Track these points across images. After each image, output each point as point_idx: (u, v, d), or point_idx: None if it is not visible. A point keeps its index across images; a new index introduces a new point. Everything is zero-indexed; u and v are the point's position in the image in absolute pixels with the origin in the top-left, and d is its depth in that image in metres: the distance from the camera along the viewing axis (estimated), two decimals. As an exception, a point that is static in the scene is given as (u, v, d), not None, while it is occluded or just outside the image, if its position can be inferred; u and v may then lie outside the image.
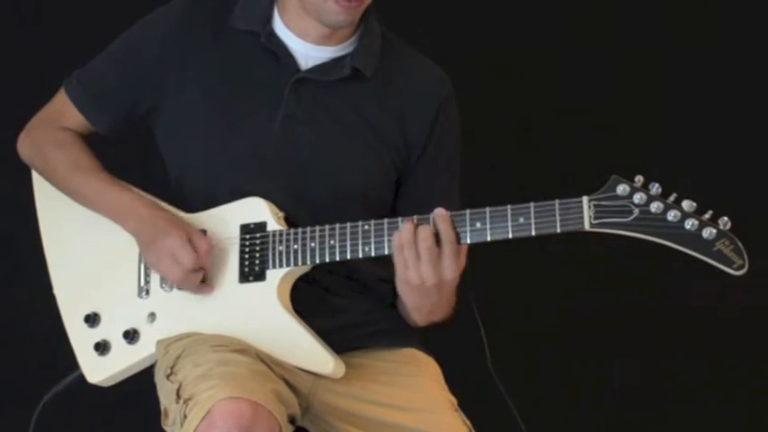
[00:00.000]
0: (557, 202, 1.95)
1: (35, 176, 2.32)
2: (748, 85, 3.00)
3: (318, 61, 2.17)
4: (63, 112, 2.28)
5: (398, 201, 2.23)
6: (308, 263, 2.09)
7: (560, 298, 3.01)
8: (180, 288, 2.13)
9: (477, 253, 2.05)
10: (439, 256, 1.98)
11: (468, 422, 2.14)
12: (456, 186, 2.25)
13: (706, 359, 3.03)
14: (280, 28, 2.18)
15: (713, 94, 2.99)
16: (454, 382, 2.21)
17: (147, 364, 2.19)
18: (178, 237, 2.10)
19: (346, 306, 2.19)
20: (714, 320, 3.03)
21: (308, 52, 2.17)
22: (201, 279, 2.12)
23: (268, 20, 2.18)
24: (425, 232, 1.98)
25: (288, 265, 2.10)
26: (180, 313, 2.16)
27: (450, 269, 1.99)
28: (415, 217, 2.01)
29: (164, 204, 2.21)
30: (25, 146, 2.31)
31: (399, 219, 2.03)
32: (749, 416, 3.03)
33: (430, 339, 2.24)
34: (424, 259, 1.98)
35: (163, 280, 2.17)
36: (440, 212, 1.99)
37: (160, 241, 2.11)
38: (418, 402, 2.13)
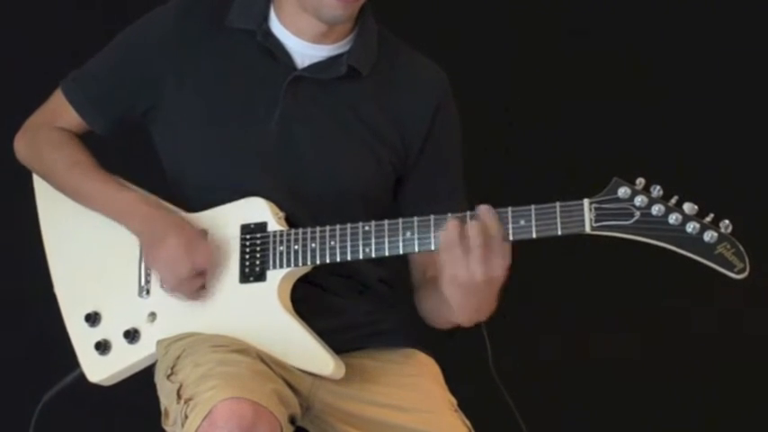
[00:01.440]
0: (558, 204, 1.94)
1: (35, 176, 2.32)
2: (750, 87, 2.99)
3: (315, 60, 2.16)
4: (60, 112, 2.28)
5: (400, 200, 2.23)
6: (309, 263, 2.09)
7: (561, 298, 3.01)
8: (177, 293, 2.13)
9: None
10: (489, 251, 1.95)
11: (467, 422, 2.14)
12: (460, 185, 2.24)
13: (707, 360, 3.03)
14: (276, 26, 2.18)
15: (715, 96, 2.98)
16: (454, 382, 2.21)
17: (148, 363, 2.19)
18: (177, 242, 2.09)
19: (346, 307, 2.18)
20: (715, 323, 3.03)
21: (304, 51, 2.16)
22: (201, 285, 2.12)
23: (264, 18, 2.17)
24: (476, 228, 1.94)
25: (288, 265, 2.09)
26: (180, 313, 2.15)
27: (499, 266, 1.95)
28: (468, 213, 1.97)
29: (165, 204, 2.20)
30: (22, 146, 2.31)
31: (431, 217, 1.99)
32: (752, 416, 3.04)
33: (430, 339, 2.24)
34: (474, 255, 1.94)
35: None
36: (486, 208, 1.95)
37: (159, 245, 2.11)
38: (418, 402, 2.13)
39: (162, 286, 2.16)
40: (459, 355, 2.24)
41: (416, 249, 2.02)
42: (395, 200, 2.24)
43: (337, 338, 2.12)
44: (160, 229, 2.12)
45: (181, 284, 2.11)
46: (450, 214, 1.99)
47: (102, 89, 2.24)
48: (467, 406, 2.16)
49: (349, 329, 2.18)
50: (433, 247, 2.01)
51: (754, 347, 3.03)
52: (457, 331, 2.13)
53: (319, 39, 2.16)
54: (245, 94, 2.16)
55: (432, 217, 2.02)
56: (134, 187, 2.23)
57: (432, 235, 2.01)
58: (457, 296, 1.99)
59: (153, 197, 2.20)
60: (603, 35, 3.02)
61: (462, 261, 1.95)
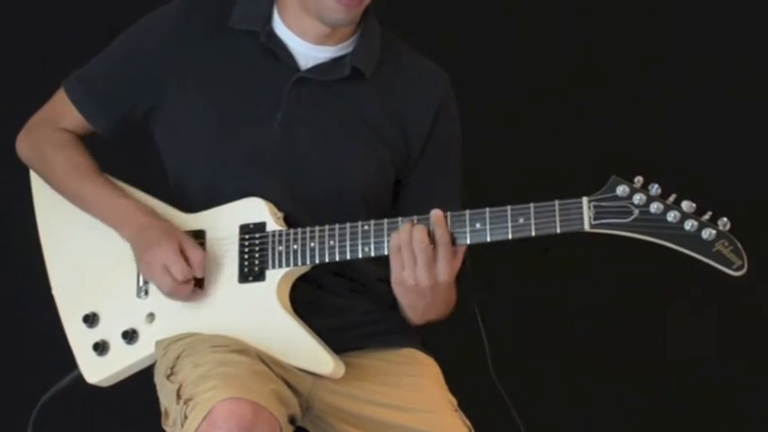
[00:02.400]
0: (556, 202, 1.95)
1: (33, 176, 2.32)
2: (748, 86, 3.00)
3: (318, 61, 2.17)
4: (62, 112, 2.28)
5: (399, 201, 2.23)
6: (308, 263, 2.09)
7: (561, 298, 3.01)
8: (171, 298, 2.13)
9: (479, 253, 2.05)
10: (434, 258, 1.99)
11: (467, 422, 2.14)
12: (457, 186, 2.25)
13: (708, 359, 3.04)
14: (279, 27, 2.18)
15: (714, 95, 2.99)
16: (455, 382, 2.21)
17: (146, 364, 2.19)
18: (170, 248, 2.09)
19: (346, 306, 2.19)
20: (716, 321, 3.03)
21: (307, 52, 2.17)
22: (200, 284, 2.12)
23: (268, 19, 2.18)
24: (421, 234, 1.98)
25: (287, 265, 2.10)
26: (179, 313, 2.15)
27: (445, 272, 1.99)
28: (415, 218, 2.01)
29: (162, 206, 2.20)
30: (24, 146, 2.31)
31: (399, 219, 2.03)
32: (752, 416, 3.04)
33: (430, 339, 2.24)
34: (419, 261, 1.99)
35: (161, 281, 2.17)
36: (435, 214, 2.00)
37: (152, 252, 2.11)
38: (418, 402, 2.13)
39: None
40: (459, 355, 2.24)
41: (415, 248, 2.03)
42: (394, 199, 2.24)
43: (337, 338, 2.13)
44: (153, 237, 2.12)
45: (176, 289, 2.11)
46: (401, 218, 2.02)
47: (104, 89, 2.24)
48: (467, 406, 2.16)
49: (349, 329, 2.18)
50: None
51: (754, 347, 3.03)
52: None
53: (322, 40, 2.17)
54: (247, 94, 2.17)
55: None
56: (133, 191, 2.23)
57: None
58: (405, 298, 2.06)
59: (149, 205, 2.20)
60: (602, 35, 3.02)
61: (410, 265, 1.99)
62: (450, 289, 2.07)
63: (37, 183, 2.31)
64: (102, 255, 2.24)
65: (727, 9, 3.00)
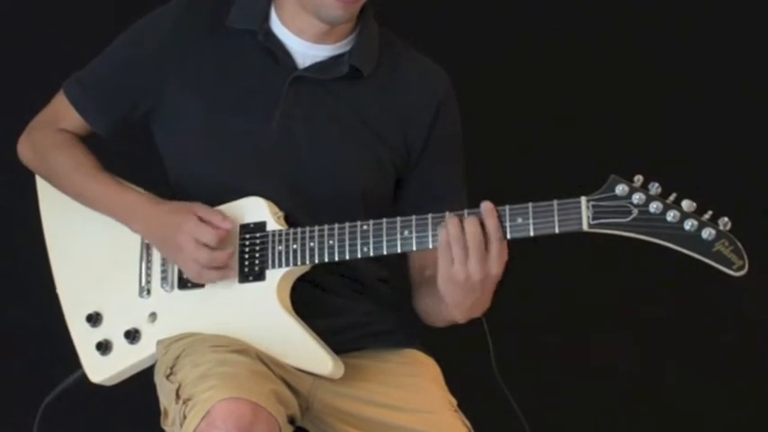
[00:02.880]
0: (555, 202, 1.93)
1: (38, 177, 2.32)
2: (748, 85, 2.98)
3: (316, 59, 2.16)
4: (62, 113, 2.28)
5: (400, 200, 2.22)
6: (308, 263, 2.08)
7: (563, 299, 3.00)
8: (210, 275, 2.09)
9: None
10: (487, 251, 1.95)
11: (467, 423, 2.13)
12: (459, 184, 2.23)
13: (709, 358, 3.02)
14: (277, 26, 2.17)
15: (713, 94, 2.97)
16: (455, 382, 2.20)
17: (149, 363, 2.19)
18: (190, 220, 2.08)
19: (346, 307, 2.18)
20: (717, 320, 3.01)
21: (305, 51, 2.16)
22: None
23: (265, 18, 2.17)
24: (474, 227, 1.94)
25: (287, 264, 2.09)
26: (180, 313, 2.16)
27: (496, 264, 1.95)
28: (466, 211, 1.96)
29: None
30: (25, 148, 2.31)
31: (446, 213, 1.98)
32: (752, 415, 3.02)
33: (431, 339, 2.23)
34: (471, 254, 1.94)
35: (164, 280, 2.17)
36: (487, 206, 1.95)
37: (175, 233, 2.09)
38: (418, 403, 2.12)
39: (162, 284, 2.16)
40: (459, 355, 2.23)
41: (414, 248, 2.02)
42: (394, 199, 2.23)
43: (337, 339, 2.12)
44: (168, 223, 2.12)
45: (216, 256, 2.07)
46: (448, 212, 1.98)
47: (104, 90, 2.25)
48: (467, 406, 2.15)
49: (349, 329, 2.17)
50: (430, 246, 2.00)
51: (754, 346, 3.01)
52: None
53: (320, 39, 2.16)
54: (245, 94, 2.16)
55: (429, 216, 2.01)
56: (137, 188, 2.23)
57: (429, 234, 2.00)
58: (453, 294, 1.99)
59: (155, 197, 2.20)
60: (601, 33, 3.01)
61: (460, 259, 1.94)
62: (496, 283, 2.01)
63: (42, 184, 2.32)
64: (106, 254, 2.24)
65: (727, 9, 2.97)
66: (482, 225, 1.94)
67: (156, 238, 2.15)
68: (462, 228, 1.94)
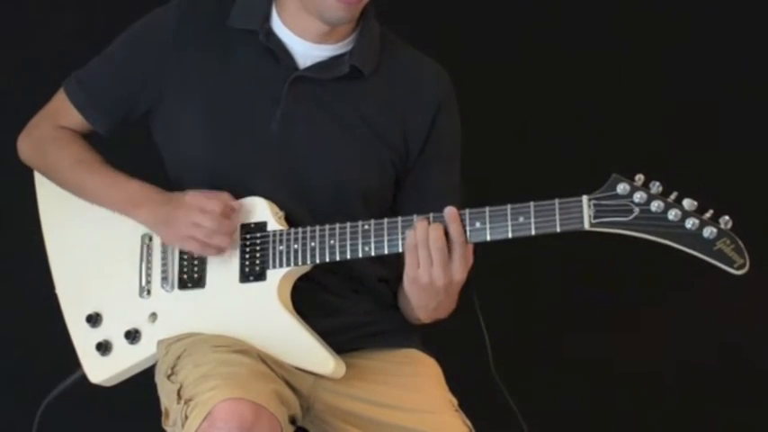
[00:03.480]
0: (556, 201, 1.94)
1: (37, 176, 2.32)
2: (749, 83, 2.99)
3: (317, 60, 2.16)
4: (62, 111, 2.28)
5: (398, 199, 2.22)
6: (309, 263, 2.09)
7: (562, 298, 3.00)
8: (213, 244, 2.09)
9: (479, 252, 2.04)
10: (449, 256, 1.98)
11: (468, 422, 2.13)
12: (457, 185, 2.24)
13: (709, 358, 3.02)
14: (278, 26, 2.18)
15: (714, 92, 2.98)
16: (455, 382, 2.20)
17: (149, 364, 2.19)
18: (194, 194, 2.09)
19: (346, 306, 2.18)
20: (717, 320, 3.02)
21: (306, 51, 2.16)
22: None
23: (266, 18, 2.18)
24: (437, 232, 1.97)
25: (288, 264, 2.09)
26: (181, 313, 2.16)
27: (460, 270, 1.99)
28: (431, 215, 2.00)
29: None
30: (25, 146, 2.31)
31: (414, 216, 2.01)
32: (752, 416, 3.02)
33: (431, 339, 2.24)
34: (435, 260, 1.98)
35: (164, 280, 2.17)
36: (450, 212, 1.98)
37: (178, 208, 2.10)
38: (418, 403, 2.12)
39: (163, 287, 2.15)
40: (459, 356, 2.23)
41: (415, 247, 2.02)
42: (393, 198, 2.23)
43: (338, 338, 2.12)
44: (172, 203, 2.12)
45: (221, 224, 2.07)
46: (415, 216, 2.01)
47: (103, 90, 2.25)
48: (467, 406, 2.15)
49: (349, 329, 2.17)
50: None
51: (754, 347, 3.02)
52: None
53: (321, 39, 2.16)
54: (246, 94, 2.16)
55: (431, 215, 2.01)
56: (140, 180, 2.21)
57: None
58: (417, 296, 2.05)
59: (159, 188, 2.19)
60: (603, 32, 3.01)
61: (425, 264, 1.98)
62: (460, 287, 2.05)
63: (41, 183, 2.32)
64: (106, 254, 2.24)
65: (727, 9, 2.98)
66: (445, 231, 1.97)
67: (161, 220, 2.14)
68: (428, 232, 1.98)
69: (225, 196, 2.11)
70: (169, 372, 2.08)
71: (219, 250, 2.11)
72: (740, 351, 3.01)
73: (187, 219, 2.10)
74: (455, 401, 2.16)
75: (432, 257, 1.98)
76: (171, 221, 2.12)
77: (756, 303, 2.94)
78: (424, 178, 2.21)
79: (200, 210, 2.09)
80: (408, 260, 2.01)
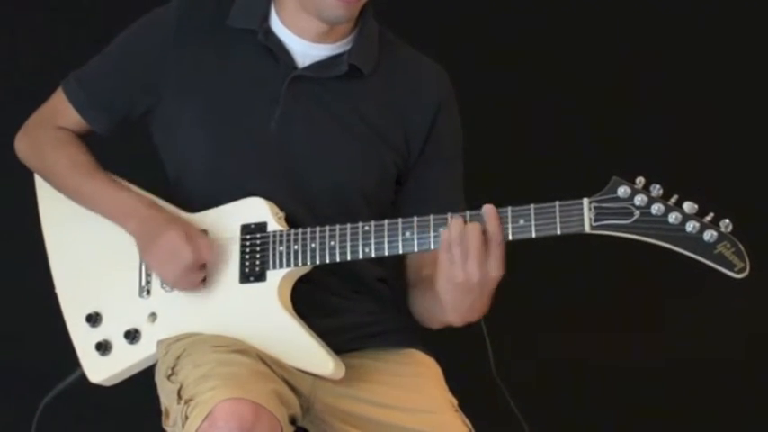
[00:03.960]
0: (557, 203, 1.94)
1: (37, 176, 2.32)
2: (750, 86, 2.99)
3: (316, 59, 2.16)
4: (60, 111, 2.28)
5: (400, 199, 2.22)
6: (309, 263, 2.09)
7: (562, 298, 3.00)
8: (179, 287, 2.13)
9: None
10: (486, 253, 1.96)
11: (468, 422, 2.13)
12: (459, 185, 2.24)
13: (707, 359, 3.03)
14: (277, 26, 2.17)
15: (715, 95, 2.98)
16: (455, 382, 2.20)
17: (149, 363, 2.19)
18: (176, 234, 2.08)
19: (346, 307, 2.18)
20: (717, 320, 3.02)
21: (305, 50, 2.16)
22: (203, 278, 2.12)
23: (265, 18, 2.17)
24: (475, 230, 1.94)
25: (288, 265, 2.09)
26: (181, 313, 2.15)
27: (496, 267, 1.95)
28: (468, 213, 1.97)
29: (163, 203, 2.20)
30: (23, 145, 2.31)
31: (448, 215, 1.98)
32: (752, 417, 3.03)
33: (431, 339, 2.24)
34: (471, 257, 1.95)
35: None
36: (490, 210, 1.96)
37: (159, 239, 2.10)
38: (418, 403, 2.13)
39: (162, 284, 2.16)
40: (459, 355, 2.23)
41: (416, 249, 2.02)
42: (394, 198, 2.23)
43: (337, 339, 2.12)
44: (157, 228, 2.12)
45: (182, 277, 2.09)
46: (450, 213, 1.99)
47: (102, 89, 2.24)
48: (467, 406, 2.16)
49: (349, 330, 2.17)
50: (432, 247, 2.01)
51: (754, 347, 3.02)
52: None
53: (320, 38, 2.16)
54: (245, 93, 2.16)
55: (431, 217, 2.01)
56: (135, 189, 2.22)
57: (431, 235, 2.01)
58: (452, 295, 2.00)
59: (152, 199, 2.19)
60: (604, 34, 3.01)
61: (460, 261, 1.95)
62: (495, 287, 2.01)
63: (40, 182, 2.31)
64: (105, 254, 2.24)
65: (727, 9, 2.98)
66: (484, 228, 1.95)
67: (142, 238, 2.15)
68: (464, 230, 1.95)
69: (203, 246, 2.09)
70: (169, 372, 2.08)
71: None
72: (740, 351, 3.02)
73: (159, 256, 2.10)
74: (455, 402, 2.17)
75: (468, 254, 1.95)
76: (148, 247, 2.13)
77: (757, 305, 2.95)
78: (426, 178, 2.21)
79: (171, 254, 2.08)
80: (443, 258, 1.97)
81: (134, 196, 2.18)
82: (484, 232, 1.95)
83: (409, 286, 2.22)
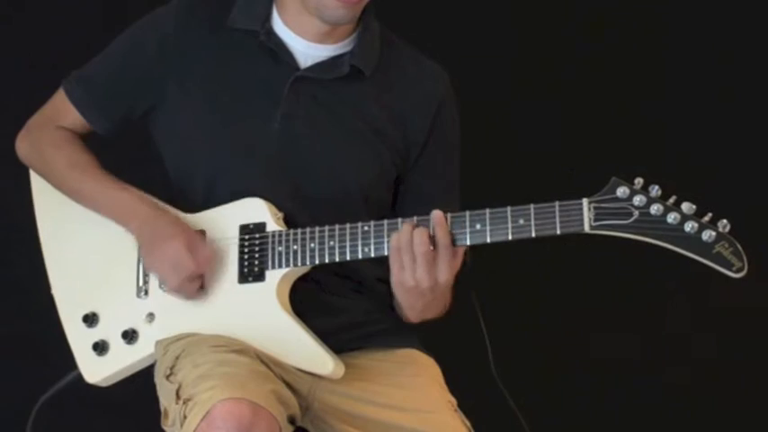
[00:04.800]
0: (557, 203, 1.95)
1: (33, 176, 2.32)
2: (749, 86, 2.99)
3: (318, 60, 2.17)
4: (62, 111, 2.28)
5: (398, 200, 2.23)
6: (308, 263, 2.09)
7: (562, 298, 3.01)
8: (176, 296, 2.13)
9: (480, 254, 2.05)
10: (434, 259, 1.99)
11: (467, 422, 2.14)
12: (456, 186, 2.25)
13: (711, 359, 3.04)
14: (279, 26, 2.18)
15: (714, 96, 2.98)
16: (455, 382, 2.21)
17: (146, 364, 2.19)
18: (179, 243, 2.09)
19: (345, 307, 2.19)
20: (715, 323, 3.03)
21: (307, 51, 2.17)
22: (201, 286, 2.12)
23: (267, 18, 2.18)
24: (422, 236, 1.98)
25: (287, 265, 2.10)
26: (179, 313, 2.15)
27: (444, 273, 2.00)
28: (416, 218, 2.01)
29: (162, 204, 2.20)
30: (24, 145, 2.30)
31: (399, 220, 2.03)
32: (752, 417, 3.04)
33: (431, 339, 2.24)
34: (419, 263, 1.99)
35: (161, 280, 2.17)
36: (436, 216, 1.99)
37: (161, 246, 2.10)
38: (417, 403, 2.13)
39: (160, 284, 2.16)
40: (459, 356, 2.24)
41: (415, 248, 2.03)
42: (393, 199, 2.23)
43: (337, 338, 2.13)
44: (160, 231, 2.12)
45: (182, 286, 2.11)
46: (400, 219, 2.02)
47: (103, 90, 2.24)
48: (467, 406, 2.16)
49: (348, 329, 2.18)
50: None
51: (753, 347, 3.03)
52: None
53: (322, 39, 2.17)
54: (247, 94, 2.16)
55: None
56: (134, 189, 2.22)
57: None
58: (404, 298, 2.07)
59: (152, 199, 2.20)
60: (603, 34, 3.02)
61: (409, 266, 1.99)
62: (449, 288, 2.07)
63: (37, 183, 2.31)
64: (102, 254, 2.23)
65: (727, 8, 2.99)
66: (430, 234, 1.98)
67: (143, 238, 2.15)
68: (411, 235, 1.98)
69: (203, 258, 2.10)
70: (168, 372, 2.08)
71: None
72: (740, 351, 3.02)
73: (160, 262, 2.11)
74: (454, 402, 2.17)
75: (416, 260, 1.99)
76: (149, 251, 2.13)
77: (755, 305, 2.96)
78: (424, 179, 2.22)
79: (173, 264, 2.09)
80: (393, 263, 2.02)
81: (136, 196, 2.18)
82: (432, 237, 1.98)
83: None
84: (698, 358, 3.03)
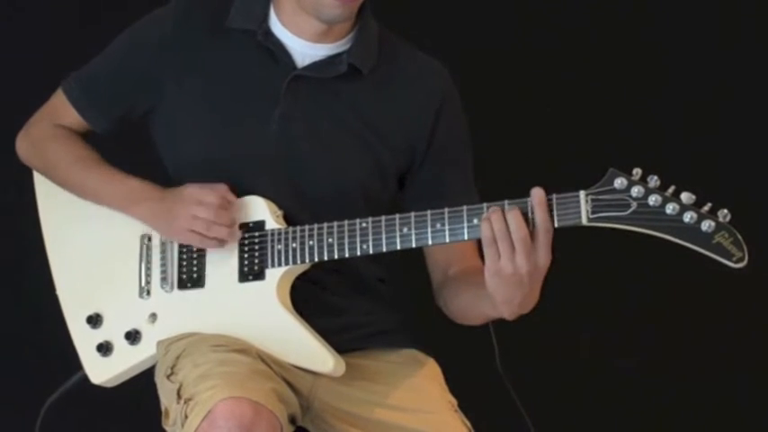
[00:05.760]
0: (554, 196, 1.92)
1: (37, 177, 2.33)
2: (748, 78, 2.97)
3: (315, 59, 2.16)
4: (61, 111, 2.29)
5: (409, 197, 2.20)
6: (307, 261, 2.08)
7: (565, 298, 2.98)
8: (215, 233, 2.09)
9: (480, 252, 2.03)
10: (533, 243, 1.92)
11: (467, 423, 2.12)
12: (471, 178, 2.22)
13: (711, 357, 3.00)
14: (276, 26, 2.17)
15: (712, 87, 2.97)
16: (455, 382, 2.19)
17: (150, 364, 2.19)
18: (192, 187, 2.10)
19: (346, 306, 2.17)
20: (718, 316, 3.00)
21: (304, 50, 2.16)
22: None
23: (264, 18, 2.18)
24: (518, 221, 1.91)
25: (287, 263, 2.09)
26: (180, 313, 2.16)
27: (544, 255, 1.92)
28: (506, 202, 1.93)
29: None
30: (24, 145, 2.32)
31: (484, 205, 1.95)
32: (753, 415, 3.01)
33: (431, 339, 2.22)
34: (518, 249, 1.91)
35: (163, 280, 2.17)
36: (538, 195, 1.91)
37: (177, 202, 2.10)
38: (418, 403, 2.12)
39: (162, 284, 2.16)
40: (459, 355, 2.23)
41: (414, 245, 2.01)
42: (403, 197, 2.21)
43: (337, 338, 2.11)
44: (172, 197, 2.12)
45: (218, 216, 2.07)
46: (486, 204, 1.95)
47: (102, 90, 2.25)
48: (467, 406, 2.14)
49: (348, 329, 2.16)
50: (430, 243, 2.00)
51: (754, 343, 3.00)
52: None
53: (319, 38, 2.16)
54: (245, 93, 2.16)
55: (429, 212, 1.99)
56: (138, 178, 2.21)
57: (429, 231, 1.99)
58: (501, 290, 1.95)
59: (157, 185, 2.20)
60: (600, 28, 3.01)
61: (507, 254, 1.91)
62: (543, 276, 1.97)
63: (40, 183, 2.32)
64: (105, 255, 2.24)
65: (727, 8, 2.97)
66: (525, 216, 1.92)
67: (159, 215, 2.15)
68: (506, 221, 1.91)
69: (222, 188, 2.11)
70: (169, 371, 2.08)
71: (219, 242, 2.11)
72: (740, 348, 2.99)
73: (185, 212, 2.10)
74: (454, 402, 2.15)
75: (514, 247, 1.91)
76: (169, 216, 2.12)
77: (756, 297, 2.93)
78: (435, 176, 2.19)
79: (197, 202, 2.09)
80: (487, 253, 1.93)
81: (139, 182, 2.19)
82: (526, 221, 1.92)
83: (437, 288, 2.19)
84: (702, 356, 3.00)
